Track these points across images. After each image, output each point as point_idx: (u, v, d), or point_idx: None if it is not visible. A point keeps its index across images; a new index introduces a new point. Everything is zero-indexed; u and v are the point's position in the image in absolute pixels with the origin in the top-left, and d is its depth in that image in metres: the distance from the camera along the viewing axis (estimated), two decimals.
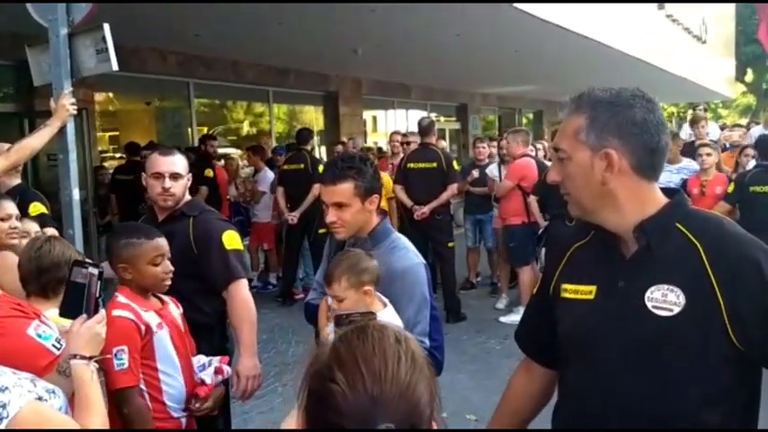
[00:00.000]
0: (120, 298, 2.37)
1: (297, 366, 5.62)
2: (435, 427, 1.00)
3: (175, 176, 2.99)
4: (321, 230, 7.65)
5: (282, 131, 12.06)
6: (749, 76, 28.93)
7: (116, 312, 2.27)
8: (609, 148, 1.50)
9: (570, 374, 1.68)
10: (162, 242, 2.46)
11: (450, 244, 6.97)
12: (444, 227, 7.00)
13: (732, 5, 21.55)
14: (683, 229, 1.51)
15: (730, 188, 6.02)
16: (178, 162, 3.03)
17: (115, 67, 3.19)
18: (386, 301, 2.23)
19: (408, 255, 2.45)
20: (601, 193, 1.53)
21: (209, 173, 7.66)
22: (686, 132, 8.99)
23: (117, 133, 10.00)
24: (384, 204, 7.50)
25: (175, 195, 3.00)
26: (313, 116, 12.84)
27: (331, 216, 2.41)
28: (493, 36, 8.70)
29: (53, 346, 1.91)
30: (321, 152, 11.78)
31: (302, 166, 7.56)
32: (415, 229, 6.46)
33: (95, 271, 1.82)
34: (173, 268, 2.48)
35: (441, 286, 6.90)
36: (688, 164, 6.69)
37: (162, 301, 2.52)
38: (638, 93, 1.53)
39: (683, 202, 1.59)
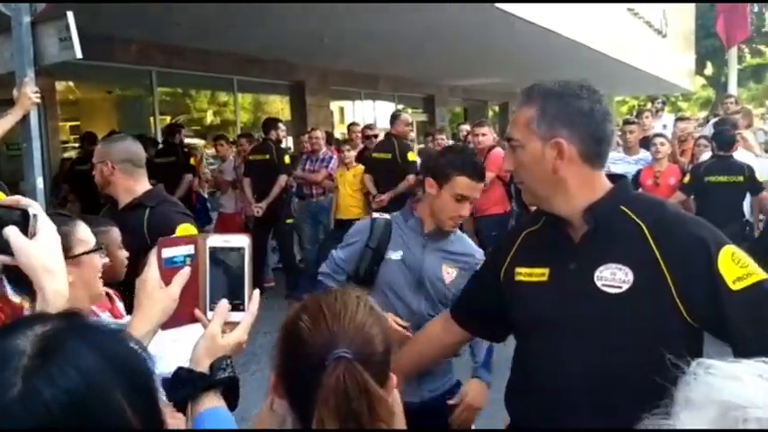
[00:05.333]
0: None
1: (264, 356, 5.61)
2: (393, 377, 1.16)
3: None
4: (288, 220, 7.67)
5: (247, 121, 11.95)
6: (708, 69, 29.42)
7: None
8: (559, 137, 1.57)
9: (525, 352, 1.76)
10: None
11: None
12: None
13: None
14: (628, 211, 1.59)
15: (686, 179, 6.13)
16: (96, 150, 3.16)
17: (78, 54, 3.15)
18: None
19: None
20: (552, 180, 1.61)
21: (193, 161, 7.64)
22: (661, 125, 9.14)
23: (78, 123, 9.82)
24: (360, 195, 7.66)
25: (97, 182, 3.13)
26: (279, 106, 12.76)
27: (467, 210, 2.53)
28: (460, 29, 8.75)
29: None
30: (289, 142, 11.73)
31: (267, 156, 7.53)
32: None
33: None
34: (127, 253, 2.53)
35: None
36: (645, 155, 6.84)
37: (109, 297, 2.44)
38: (584, 84, 1.62)
39: (626, 186, 1.69)
